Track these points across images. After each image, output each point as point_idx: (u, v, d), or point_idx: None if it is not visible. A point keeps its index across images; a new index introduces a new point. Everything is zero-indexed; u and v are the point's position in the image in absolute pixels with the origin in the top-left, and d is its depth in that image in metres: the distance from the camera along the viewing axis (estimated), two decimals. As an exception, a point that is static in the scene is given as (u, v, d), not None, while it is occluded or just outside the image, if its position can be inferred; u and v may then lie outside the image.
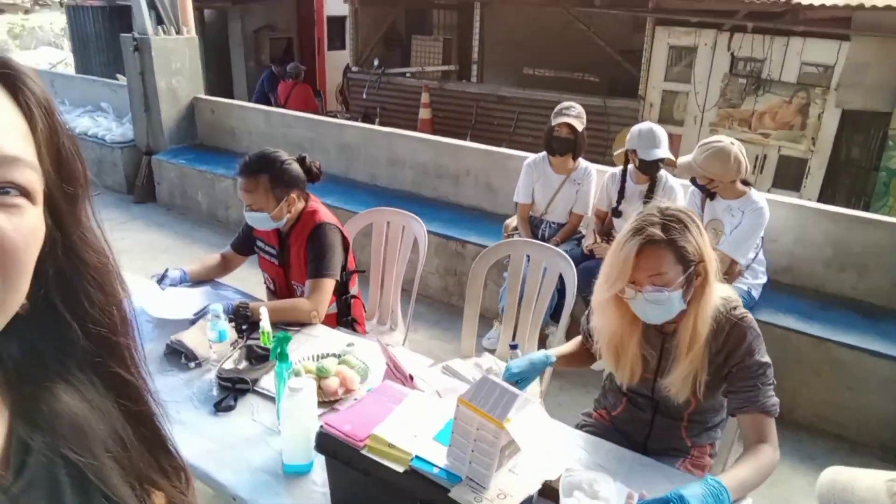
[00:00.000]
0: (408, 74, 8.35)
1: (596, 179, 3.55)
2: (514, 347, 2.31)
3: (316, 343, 2.03)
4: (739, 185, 2.99)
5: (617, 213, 3.43)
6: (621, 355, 1.65)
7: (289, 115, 5.56)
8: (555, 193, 3.55)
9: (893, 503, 0.77)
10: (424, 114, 7.87)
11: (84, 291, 0.57)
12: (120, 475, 0.58)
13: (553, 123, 3.43)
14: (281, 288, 2.38)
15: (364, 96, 8.42)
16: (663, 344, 1.64)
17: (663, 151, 3.22)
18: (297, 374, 1.68)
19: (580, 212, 3.57)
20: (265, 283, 2.47)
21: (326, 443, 1.29)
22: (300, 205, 2.26)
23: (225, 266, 2.46)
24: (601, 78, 7.28)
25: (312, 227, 2.23)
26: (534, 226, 3.67)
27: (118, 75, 8.73)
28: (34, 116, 0.54)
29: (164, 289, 2.21)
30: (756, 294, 3.13)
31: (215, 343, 1.83)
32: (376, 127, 5.02)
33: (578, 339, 1.96)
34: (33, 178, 0.51)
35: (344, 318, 2.41)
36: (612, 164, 3.64)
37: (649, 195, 3.31)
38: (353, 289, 2.46)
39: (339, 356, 1.89)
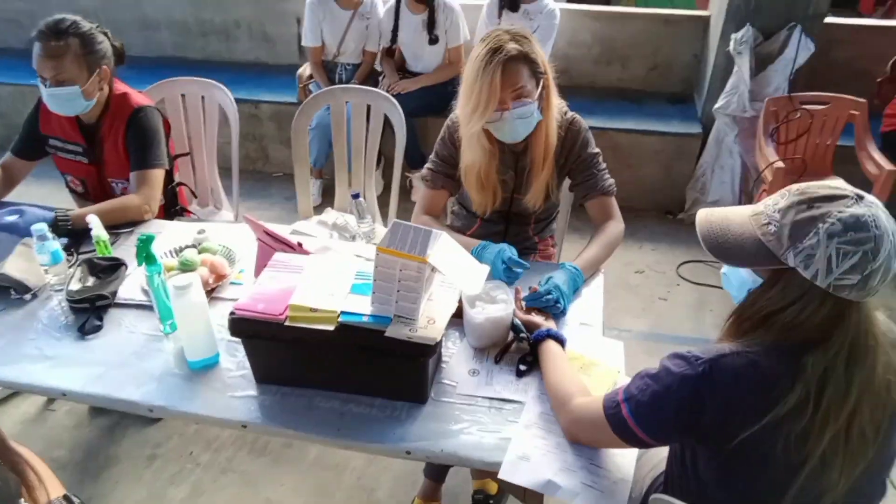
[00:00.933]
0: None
1: (383, 10, 3.46)
2: (355, 196, 2.35)
3: (161, 240, 1.87)
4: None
5: (393, 43, 3.41)
6: (485, 184, 1.76)
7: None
8: (344, 31, 3.40)
9: (763, 231, 1.00)
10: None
11: None
12: None
13: (328, -46, 3.20)
14: (94, 188, 2.10)
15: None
16: (517, 163, 1.78)
17: (441, -27, 3.20)
18: (188, 265, 1.58)
19: (373, 48, 3.50)
20: (69, 185, 2.15)
21: (243, 326, 1.27)
22: (106, 89, 1.95)
23: (8, 180, 2.08)
24: None
25: (130, 113, 1.95)
26: (329, 70, 3.53)
27: None
28: None
29: None
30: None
31: (50, 266, 1.61)
32: (112, -15, 4.24)
33: (428, 194, 1.87)
34: None
35: (172, 208, 2.22)
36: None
37: (431, 23, 3.32)
38: (178, 176, 2.25)
39: (196, 245, 1.78)
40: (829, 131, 3.01)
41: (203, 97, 2.52)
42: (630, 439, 1.11)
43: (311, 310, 1.25)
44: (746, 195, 3.29)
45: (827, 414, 0.93)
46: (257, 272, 1.68)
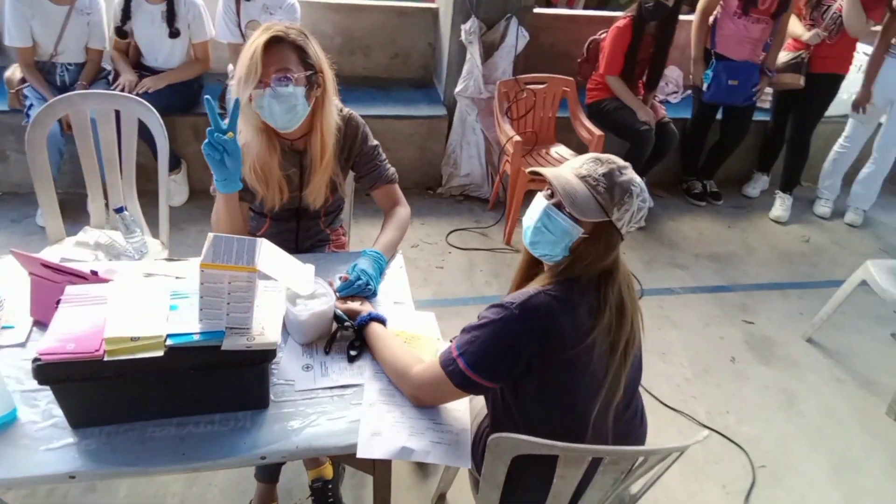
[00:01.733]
0: None
1: (105, 6, 3.13)
2: (119, 210, 2.18)
3: None
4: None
5: (122, 33, 3.15)
6: (269, 180, 1.77)
7: None
8: (62, 29, 3.01)
9: (596, 192, 1.22)
10: None
11: None
12: None
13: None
14: None
15: None
16: (301, 162, 1.82)
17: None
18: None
19: (98, 45, 3.16)
20: None
21: (53, 372, 1.15)
22: None
23: None
24: None
25: None
26: (46, 72, 3.10)
27: None
28: None
29: None
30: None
31: None
32: None
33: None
34: None
35: None
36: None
37: (171, 17, 3.13)
38: None
39: None
40: (549, 106, 3.54)
41: None
42: (470, 387, 1.28)
43: (132, 339, 1.18)
44: (492, 166, 3.71)
45: (622, 327, 1.23)
46: (35, 312, 1.50)
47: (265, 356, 1.24)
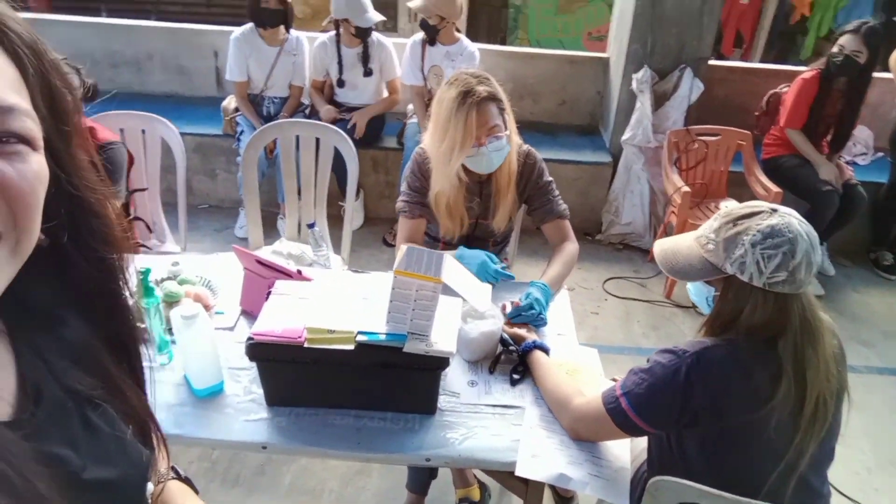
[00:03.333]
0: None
1: (307, 48, 3.54)
2: (311, 226, 2.41)
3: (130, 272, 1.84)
4: (455, 31, 3.36)
5: (341, 83, 3.52)
6: (454, 212, 1.90)
7: None
8: (271, 67, 3.45)
9: (705, 250, 1.22)
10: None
11: (87, 224, 0.61)
12: (120, 409, 0.66)
13: (258, -7, 3.25)
14: None
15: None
16: (482, 191, 1.94)
17: (376, 14, 3.35)
18: (172, 297, 1.59)
19: (300, 83, 3.56)
20: None
21: (261, 351, 1.31)
22: None
23: None
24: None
25: (95, 149, 1.89)
26: (255, 104, 3.55)
27: None
28: (23, 61, 0.53)
29: None
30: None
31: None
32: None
33: (409, 223, 1.97)
34: (31, 126, 0.52)
35: (126, 242, 2.18)
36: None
37: (366, 57, 3.46)
38: (134, 210, 2.21)
39: (174, 278, 1.77)
40: (721, 159, 3.43)
41: (144, 130, 2.49)
42: (630, 429, 1.27)
43: (329, 331, 1.32)
44: (655, 216, 3.65)
45: (805, 392, 1.15)
46: (244, 302, 1.71)
47: (440, 363, 1.33)
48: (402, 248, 1.35)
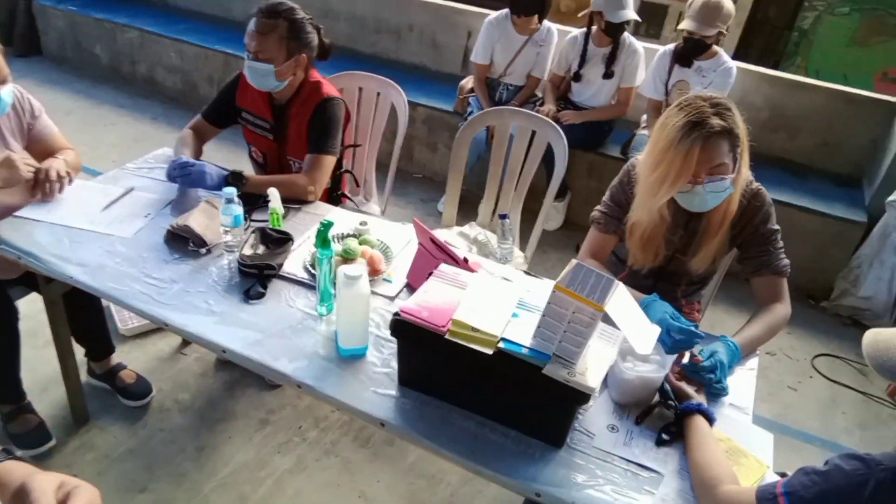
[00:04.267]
0: None
1: (556, 41, 3.47)
2: (503, 217, 2.36)
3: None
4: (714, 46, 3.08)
5: (577, 77, 3.41)
6: (649, 243, 1.72)
7: (196, -47, 4.88)
8: (515, 55, 3.45)
9: None
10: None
11: None
12: None
13: (519, -20, 3.25)
14: (272, 162, 2.23)
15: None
16: (688, 224, 1.73)
17: (630, 13, 3.18)
18: (349, 254, 1.66)
19: (539, 75, 3.52)
20: (251, 155, 2.30)
21: (404, 329, 1.30)
22: (301, 75, 2.07)
23: (199, 141, 2.25)
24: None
25: (319, 101, 2.07)
26: (490, 88, 3.59)
27: None
28: None
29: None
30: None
31: (229, 228, 1.73)
32: (305, -28, 4.52)
33: (598, 237, 1.84)
34: None
35: (334, 192, 2.33)
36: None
37: (612, 58, 3.31)
38: (346, 163, 2.36)
39: (357, 236, 1.85)
40: None
41: (379, 94, 2.63)
42: None
43: (473, 329, 1.27)
44: (906, 299, 3.03)
45: None
46: (411, 275, 1.73)
47: (578, 397, 1.21)
48: (571, 262, 1.23)
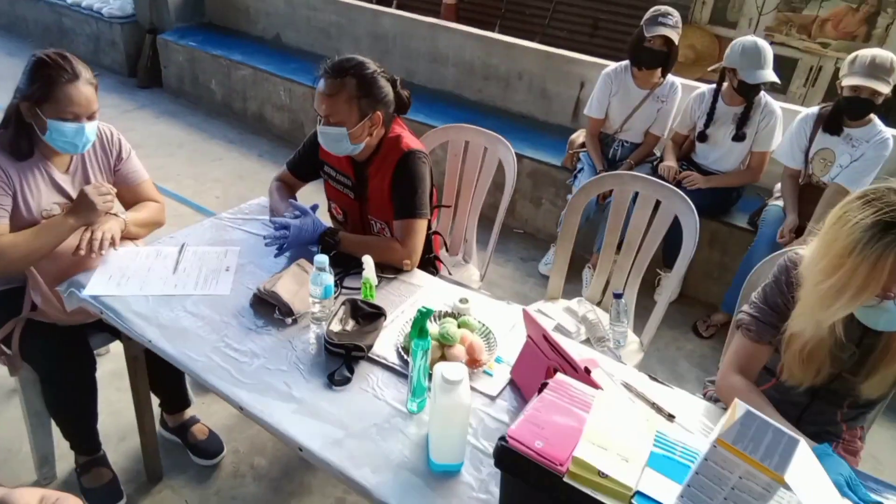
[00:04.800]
0: (432, -49, 7.53)
1: (681, 97, 3.19)
2: (618, 297, 2.10)
3: (419, 294, 1.77)
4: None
5: (703, 136, 3.10)
6: (810, 361, 1.41)
7: (314, -5, 4.96)
8: (634, 110, 3.19)
9: None
10: (449, -1, 7.18)
11: None
12: None
13: (646, 34, 3.00)
14: (353, 221, 2.08)
15: (382, -26, 7.62)
16: (862, 338, 1.41)
17: (769, 73, 2.85)
18: (448, 340, 1.46)
19: (658, 133, 3.24)
20: (331, 211, 2.16)
21: (511, 460, 1.07)
22: (380, 131, 1.90)
23: (288, 193, 2.13)
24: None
25: (400, 156, 1.88)
26: (603, 144, 3.34)
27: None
28: None
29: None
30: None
31: (318, 299, 1.57)
32: (418, 17, 4.49)
33: (748, 347, 1.53)
34: None
35: (426, 255, 2.14)
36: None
37: (744, 119, 2.98)
38: (435, 223, 2.18)
39: (456, 316, 1.64)
40: None
41: (486, 148, 2.45)
42: None
43: (600, 474, 1.01)
44: None
45: None
46: (516, 371, 1.50)
47: (738, 587, 0.92)
48: (736, 406, 0.95)
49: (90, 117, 1.76)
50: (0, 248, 1.66)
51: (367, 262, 1.67)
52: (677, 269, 2.12)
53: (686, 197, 2.11)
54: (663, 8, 3.03)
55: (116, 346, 1.94)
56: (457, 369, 1.20)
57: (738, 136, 3.00)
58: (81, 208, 1.74)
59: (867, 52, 2.57)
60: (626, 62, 3.18)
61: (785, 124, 2.98)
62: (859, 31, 5.60)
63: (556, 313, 2.24)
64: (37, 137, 1.75)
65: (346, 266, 1.80)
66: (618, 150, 3.31)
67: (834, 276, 1.26)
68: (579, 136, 3.47)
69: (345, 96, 1.76)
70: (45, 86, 1.67)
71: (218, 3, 5.50)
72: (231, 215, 2.08)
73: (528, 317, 1.42)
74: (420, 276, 1.88)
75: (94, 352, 1.92)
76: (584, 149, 3.38)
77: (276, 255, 1.86)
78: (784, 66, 5.89)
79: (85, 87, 1.73)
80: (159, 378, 2.01)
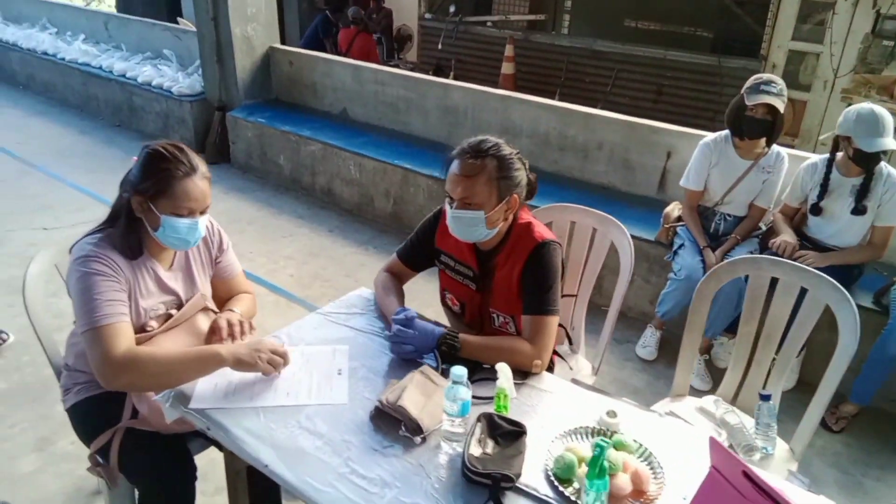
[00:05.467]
0: (489, 24, 7.66)
1: (787, 168, 2.98)
2: (765, 399, 1.85)
3: (551, 402, 1.56)
4: None
5: (817, 209, 2.86)
6: None
7: (382, 71, 4.99)
8: (737, 181, 2.98)
9: None
10: (507, 68, 7.22)
11: None
12: None
13: (748, 102, 2.83)
14: (471, 313, 1.90)
15: (439, 46, 7.76)
16: None
17: (889, 142, 2.62)
18: (612, 469, 1.24)
19: (764, 205, 3.01)
20: (446, 301, 1.99)
21: None
22: (511, 218, 1.76)
23: (398, 284, 1.98)
24: (715, 33, 6.52)
25: (534, 246, 1.72)
26: (703, 217, 3.13)
27: (179, 19, 8.21)
28: None
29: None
30: None
31: (455, 417, 1.37)
32: (490, 89, 4.44)
33: None
34: None
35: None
36: (723, 129, 3.06)
37: (864, 191, 2.74)
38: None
39: (606, 432, 1.42)
40: None
41: (595, 230, 2.27)
42: None
43: None
44: None
45: None
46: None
47: None
48: None
49: (203, 212, 1.66)
50: (136, 360, 1.49)
51: (503, 370, 1.47)
52: (834, 366, 1.86)
53: (839, 286, 1.88)
54: (766, 76, 2.87)
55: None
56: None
57: (858, 210, 2.76)
58: (245, 362, 1.54)
59: None
60: (726, 132, 3.01)
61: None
62: (945, 91, 5.33)
63: (688, 415, 1.99)
64: (145, 234, 1.65)
65: (468, 373, 1.61)
66: (720, 223, 3.10)
67: None
68: (674, 209, 3.28)
69: (484, 178, 1.65)
70: (161, 180, 1.58)
71: (285, 80, 5.60)
72: (334, 310, 1.93)
73: (717, 447, 1.19)
74: (548, 380, 1.67)
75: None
76: (681, 223, 3.18)
77: (396, 354, 1.68)
78: None
79: (201, 181, 1.64)
80: (258, 492, 1.82)
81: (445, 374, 1.54)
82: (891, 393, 2.82)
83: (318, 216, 4.66)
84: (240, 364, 1.54)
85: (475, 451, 1.33)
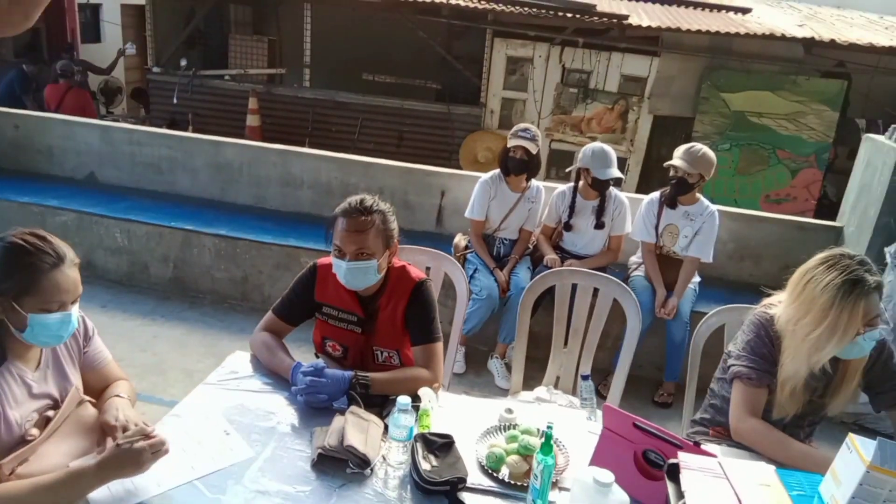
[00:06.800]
0: (227, 77, 7.59)
1: (544, 197, 3.68)
2: (585, 378, 2.33)
3: (457, 414, 1.83)
4: (696, 192, 3.40)
5: (568, 226, 3.61)
6: (797, 396, 1.80)
7: (139, 130, 4.71)
8: (510, 210, 3.60)
9: None
10: (253, 120, 7.26)
11: None
12: None
13: (509, 145, 3.47)
14: (354, 355, 2.07)
15: (174, 101, 7.44)
16: (834, 367, 1.83)
17: (615, 171, 3.46)
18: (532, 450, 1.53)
19: (531, 228, 3.68)
20: (326, 349, 2.12)
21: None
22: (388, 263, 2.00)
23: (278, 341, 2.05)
24: (442, 84, 7.44)
25: (414, 286, 1.98)
26: (487, 243, 3.68)
27: None
28: None
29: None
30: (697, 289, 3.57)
31: (402, 441, 1.55)
32: (267, 145, 4.52)
33: (754, 393, 1.84)
34: None
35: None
36: (459, 167, 3.83)
37: (601, 209, 3.54)
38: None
39: (510, 426, 1.74)
40: None
41: (429, 268, 2.60)
42: None
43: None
44: None
45: None
46: (594, 464, 1.63)
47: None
48: (853, 439, 1.24)
49: (74, 301, 1.56)
50: None
51: (426, 394, 1.70)
52: (628, 343, 2.44)
53: (621, 282, 2.48)
54: (523, 125, 3.55)
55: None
56: (603, 473, 1.32)
57: (599, 225, 3.56)
58: (126, 464, 1.39)
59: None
60: (497, 171, 3.61)
61: (633, 208, 3.60)
62: (617, 125, 6.92)
63: (531, 405, 2.41)
64: (7, 336, 1.49)
65: (378, 404, 1.79)
66: (500, 247, 3.68)
67: (821, 326, 1.67)
68: (461, 240, 3.78)
69: (374, 231, 1.87)
70: (25, 277, 1.45)
71: (9, 146, 4.91)
72: (218, 378, 1.92)
73: (610, 411, 1.59)
74: (445, 398, 1.93)
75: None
76: (469, 250, 3.69)
77: (309, 405, 1.78)
78: (563, 158, 6.98)
79: (70, 269, 1.53)
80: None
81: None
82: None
83: (83, 293, 4.19)
84: (123, 467, 1.39)
85: (425, 465, 1.53)
